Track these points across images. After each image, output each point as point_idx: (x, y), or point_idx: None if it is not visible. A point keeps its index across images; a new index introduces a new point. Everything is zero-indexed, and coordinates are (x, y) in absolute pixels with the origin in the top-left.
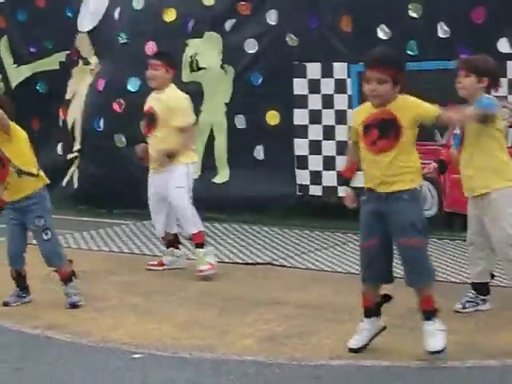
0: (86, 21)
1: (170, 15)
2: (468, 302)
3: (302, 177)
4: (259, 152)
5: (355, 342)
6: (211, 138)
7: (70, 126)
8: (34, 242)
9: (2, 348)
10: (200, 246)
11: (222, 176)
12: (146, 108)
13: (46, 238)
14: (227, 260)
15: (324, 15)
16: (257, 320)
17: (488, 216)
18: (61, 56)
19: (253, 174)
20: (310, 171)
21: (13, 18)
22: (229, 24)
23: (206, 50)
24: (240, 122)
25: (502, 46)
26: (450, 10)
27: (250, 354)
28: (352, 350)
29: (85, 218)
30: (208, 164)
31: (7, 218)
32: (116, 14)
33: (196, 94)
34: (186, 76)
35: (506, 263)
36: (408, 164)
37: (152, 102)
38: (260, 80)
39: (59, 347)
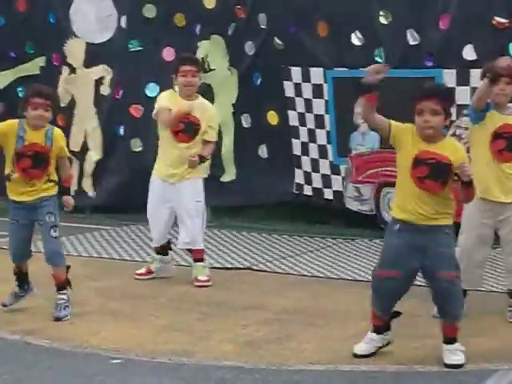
0: (93, 31)
1: (180, 20)
2: None
3: (298, 176)
4: (263, 151)
5: (363, 349)
6: (219, 138)
7: (78, 136)
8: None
9: None
10: (200, 260)
11: (229, 175)
12: (184, 115)
13: (53, 235)
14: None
15: (302, 19)
16: (236, 325)
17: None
18: (41, 61)
19: (256, 173)
20: (303, 171)
21: None
22: (230, 27)
23: (213, 51)
24: (246, 121)
25: (467, 53)
26: (419, 16)
27: (228, 359)
28: (357, 356)
29: (63, 224)
30: (216, 163)
31: (12, 216)
32: (122, 23)
33: (207, 95)
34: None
35: None
36: (450, 201)
37: (194, 111)
38: (259, 81)
39: (38, 352)
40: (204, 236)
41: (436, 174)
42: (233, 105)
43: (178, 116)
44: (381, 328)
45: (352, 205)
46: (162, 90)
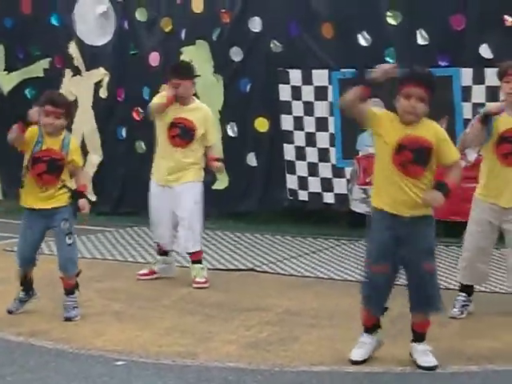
0: (94, 34)
1: (167, 25)
2: (463, 306)
3: (291, 181)
4: (251, 159)
5: (359, 355)
6: None
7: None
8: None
9: None
10: (198, 262)
11: (223, 182)
12: (177, 119)
13: (68, 242)
14: (210, 266)
15: (305, 22)
16: (239, 326)
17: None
18: (45, 63)
19: (246, 181)
20: (298, 176)
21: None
22: (215, 32)
23: (198, 57)
24: (231, 129)
25: (484, 51)
26: (430, 16)
27: (232, 361)
28: (355, 363)
29: None
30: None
31: (27, 221)
32: (126, 25)
33: None
34: None
35: None
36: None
37: (183, 114)
38: (248, 87)
39: (42, 354)
40: (201, 238)
41: (418, 158)
42: (219, 111)
43: (165, 103)
44: (373, 327)
45: (358, 207)
46: (152, 94)
